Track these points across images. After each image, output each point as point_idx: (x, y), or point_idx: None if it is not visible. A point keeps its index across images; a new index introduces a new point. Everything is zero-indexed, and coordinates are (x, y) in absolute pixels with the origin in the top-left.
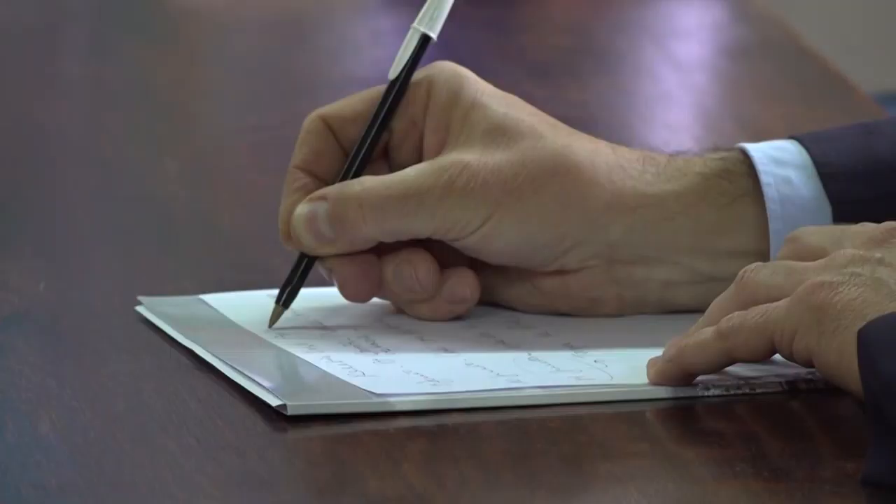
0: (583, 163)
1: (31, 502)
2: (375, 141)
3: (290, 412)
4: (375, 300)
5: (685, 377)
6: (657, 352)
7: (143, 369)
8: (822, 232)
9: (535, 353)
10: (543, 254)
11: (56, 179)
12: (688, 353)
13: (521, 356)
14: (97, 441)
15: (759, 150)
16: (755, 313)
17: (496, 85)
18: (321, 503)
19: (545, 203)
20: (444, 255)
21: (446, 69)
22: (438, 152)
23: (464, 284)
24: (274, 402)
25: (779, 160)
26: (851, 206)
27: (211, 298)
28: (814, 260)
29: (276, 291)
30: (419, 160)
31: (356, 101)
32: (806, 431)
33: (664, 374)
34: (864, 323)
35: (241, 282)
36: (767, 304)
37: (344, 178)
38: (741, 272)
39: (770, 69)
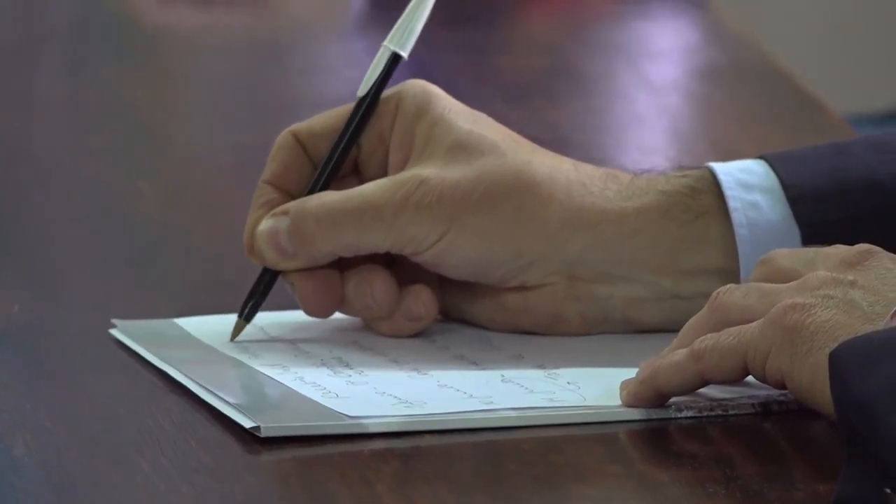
0: (541, 179)
1: None
2: (343, 157)
3: (263, 434)
4: (350, 321)
5: (658, 399)
6: (630, 373)
7: (118, 391)
8: (795, 254)
9: (508, 375)
10: (502, 270)
11: (32, 200)
12: (661, 374)
13: (494, 377)
14: (72, 463)
15: (727, 173)
16: (728, 335)
17: (470, 106)
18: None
19: (502, 219)
20: (409, 270)
21: (416, 86)
22: (402, 168)
23: (419, 302)
24: (248, 423)
25: (746, 184)
26: (821, 229)
27: (185, 322)
28: (787, 282)
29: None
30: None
31: (327, 117)
32: (778, 453)
33: (637, 395)
34: (836, 345)
35: (216, 304)
36: (741, 326)
37: (310, 194)
38: (714, 294)
39: (743, 91)
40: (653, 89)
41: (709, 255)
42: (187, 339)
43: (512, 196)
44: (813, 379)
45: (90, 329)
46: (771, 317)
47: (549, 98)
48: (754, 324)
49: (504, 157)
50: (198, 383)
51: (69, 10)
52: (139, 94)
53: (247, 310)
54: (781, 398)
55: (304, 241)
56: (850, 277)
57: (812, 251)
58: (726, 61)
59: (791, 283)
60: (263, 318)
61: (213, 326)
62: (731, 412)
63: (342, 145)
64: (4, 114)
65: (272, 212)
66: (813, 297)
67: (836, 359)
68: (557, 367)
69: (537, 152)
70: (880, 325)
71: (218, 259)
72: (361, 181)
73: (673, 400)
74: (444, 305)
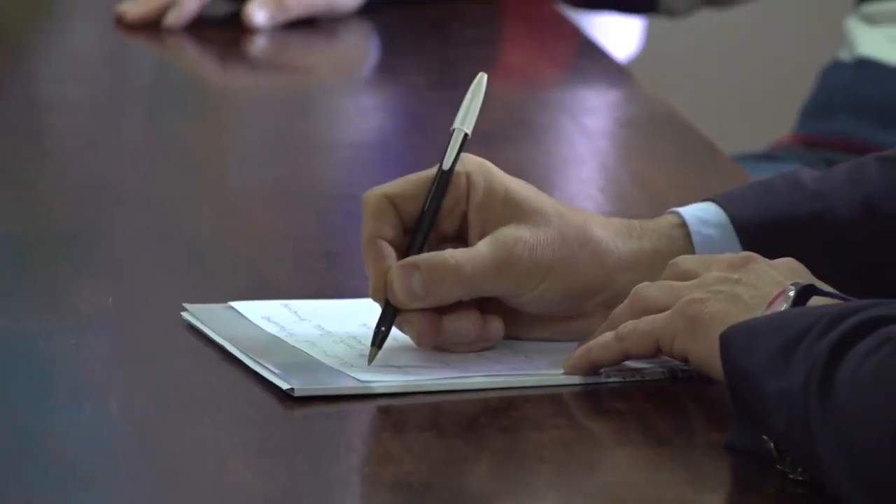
0: (597, 234)
1: (102, 466)
2: (435, 216)
3: (296, 394)
4: (357, 308)
5: (592, 369)
6: (572, 348)
7: (186, 362)
8: (695, 259)
9: (480, 351)
10: (573, 304)
11: (119, 219)
12: (594, 351)
13: (469, 353)
14: (151, 417)
15: (691, 214)
16: (645, 322)
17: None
18: (320, 465)
19: (581, 267)
20: (489, 304)
21: (475, 162)
22: (482, 227)
23: (497, 329)
24: (284, 385)
25: (704, 221)
26: (762, 253)
27: (237, 305)
28: (689, 280)
29: (284, 300)
30: (459, 233)
31: (411, 184)
32: (682, 409)
33: (576, 367)
34: (726, 328)
35: (256, 294)
36: (654, 315)
37: (413, 246)
38: (634, 289)
39: (655, 136)
40: (588, 135)
41: None
42: (239, 319)
43: (585, 249)
44: (709, 355)
45: (165, 314)
46: (677, 308)
47: (510, 142)
48: (664, 313)
49: (567, 217)
50: (247, 355)
51: (148, 74)
52: (200, 138)
53: (378, 339)
54: (685, 368)
55: (435, 290)
56: (736, 276)
57: (709, 257)
58: (642, 114)
59: (692, 281)
60: (296, 305)
61: (259, 309)
62: (647, 378)
63: (435, 207)
64: (98, 154)
65: (401, 263)
66: (708, 292)
67: (725, 339)
68: (518, 343)
69: (579, 212)
70: (759, 313)
71: (259, 262)
72: (438, 235)
73: (603, 369)
74: (511, 329)
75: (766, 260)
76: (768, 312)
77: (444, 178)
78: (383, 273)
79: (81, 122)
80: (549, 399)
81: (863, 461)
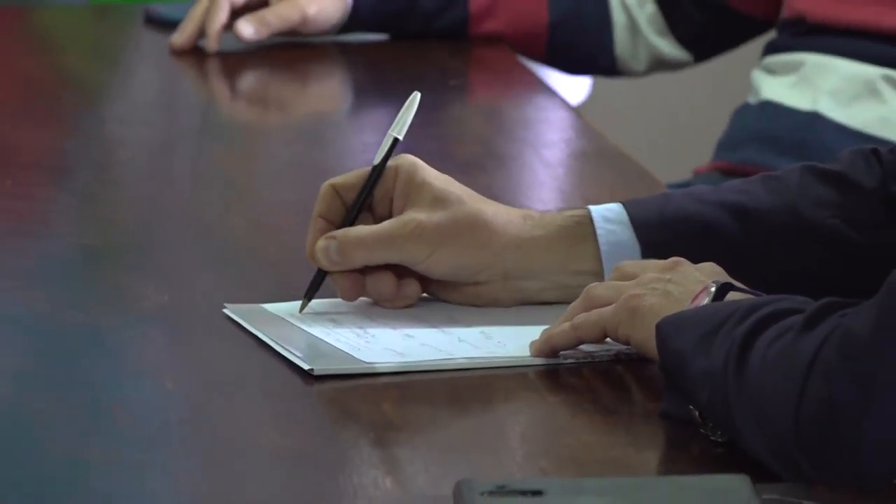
0: (489, 219)
1: (160, 431)
2: (365, 202)
3: (315, 373)
4: (364, 305)
5: (552, 352)
6: (537, 332)
7: (226, 349)
8: (636, 263)
9: (462, 337)
10: (465, 274)
11: (171, 232)
12: (554, 338)
13: (453, 339)
14: (199, 393)
15: (597, 212)
16: (594, 313)
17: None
18: (334, 430)
19: (466, 245)
20: (406, 270)
21: (407, 159)
22: (402, 212)
23: (409, 290)
24: (305, 366)
25: (608, 218)
26: (654, 247)
27: (268, 306)
28: (629, 280)
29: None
30: (390, 215)
31: (352, 176)
32: (626, 384)
33: (540, 351)
34: (660, 319)
35: (283, 291)
36: (602, 308)
37: (346, 225)
38: (586, 288)
39: (602, 166)
40: (547, 165)
41: (586, 264)
42: (269, 315)
43: (472, 230)
44: (646, 340)
45: (209, 309)
46: (620, 302)
47: (484, 171)
48: (610, 307)
49: (465, 204)
50: (275, 342)
51: (193, 114)
52: (234, 165)
53: (308, 293)
54: (628, 351)
55: (345, 256)
56: (668, 277)
57: (645, 262)
58: (591, 148)
59: (632, 281)
60: (315, 303)
61: (284, 308)
62: (597, 359)
63: (364, 195)
64: (155, 180)
65: (325, 235)
66: (645, 289)
67: (660, 327)
68: (493, 331)
69: (484, 201)
70: (686, 306)
71: (285, 266)
72: (374, 217)
73: (562, 353)
74: (429, 290)
75: (692, 264)
76: (693, 306)
77: (376, 172)
78: (314, 243)
79: (141, 155)
80: (518, 376)
81: (769, 425)
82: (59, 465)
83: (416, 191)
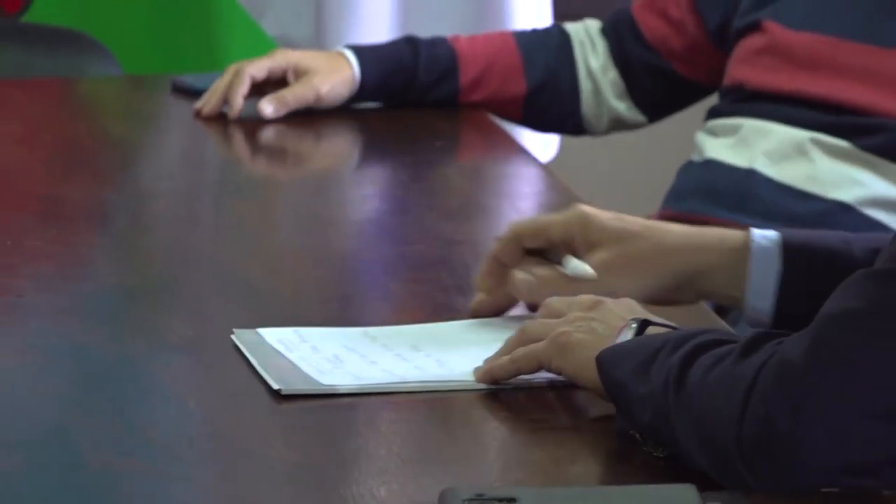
0: (665, 247)
1: (184, 444)
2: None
3: (283, 392)
4: (347, 333)
5: (493, 381)
6: (482, 356)
7: (243, 373)
8: (562, 300)
9: (417, 365)
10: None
11: (195, 272)
12: (494, 370)
13: (409, 366)
14: (219, 412)
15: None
16: (530, 349)
17: (422, 221)
18: (335, 444)
19: (647, 273)
20: None
21: (577, 212)
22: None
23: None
24: (275, 386)
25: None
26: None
27: (262, 331)
28: (558, 318)
29: (296, 327)
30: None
31: (535, 226)
32: (554, 405)
33: (482, 379)
34: (598, 351)
35: (291, 322)
36: (536, 343)
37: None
38: (521, 325)
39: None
40: (521, 214)
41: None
42: (262, 341)
43: (650, 261)
44: (576, 370)
45: (226, 340)
46: (551, 338)
47: (468, 220)
48: (543, 342)
49: (641, 238)
50: (258, 364)
51: (214, 170)
52: (250, 214)
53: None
54: (559, 380)
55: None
56: (591, 315)
57: (572, 300)
58: (560, 200)
59: (561, 318)
60: (302, 330)
61: (275, 333)
62: (533, 385)
63: None
64: (182, 227)
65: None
66: (572, 326)
67: (600, 359)
68: (445, 360)
69: (661, 229)
70: (609, 341)
71: (293, 301)
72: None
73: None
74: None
75: (612, 300)
76: (618, 340)
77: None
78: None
79: (170, 206)
80: (488, 400)
81: (713, 442)
82: (97, 475)
83: (596, 236)
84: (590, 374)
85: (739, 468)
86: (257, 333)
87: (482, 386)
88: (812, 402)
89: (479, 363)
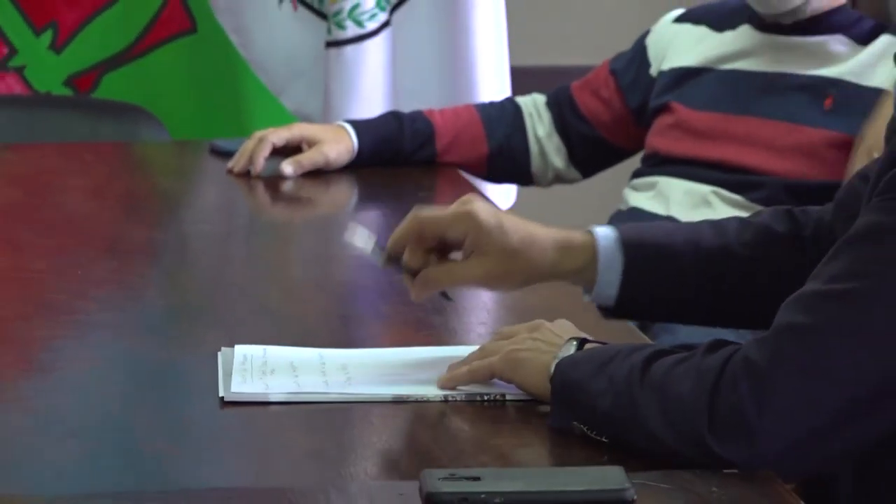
0: (520, 252)
1: (216, 436)
2: None
3: (226, 399)
4: (324, 353)
5: (454, 386)
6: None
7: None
8: (510, 328)
9: (328, 381)
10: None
11: (225, 296)
12: (456, 376)
13: (320, 381)
14: (247, 408)
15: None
16: (486, 363)
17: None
18: (338, 434)
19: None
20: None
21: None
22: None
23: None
24: (221, 393)
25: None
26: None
27: (237, 347)
28: (509, 339)
29: (265, 345)
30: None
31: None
32: (509, 408)
33: (445, 384)
34: (541, 364)
35: (299, 340)
36: (490, 358)
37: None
38: (482, 345)
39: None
40: None
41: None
42: (231, 354)
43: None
44: (524, 381)
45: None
46: (503, 355)
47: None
48: (496, 357)
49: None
50: (223, 371)
51: (243, 217)
52: (271, 250)
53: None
54: (512, 392)
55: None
56: (535, 335)
57: (517, 326)
58: None
59: (511, 339)
60: (270, 349)
61: (243, 349)
62: (486, 399)
63: None
64: (216, 261)
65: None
66: (521, 344)
67: (559, 365)
68: (355, 376)
69: (521, 234)
70: (550, 356)
71: (302, 321)
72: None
73: (464, 391)
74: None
75: (550, 323)
76: (560, 354)
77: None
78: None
79: (207, 244)
80: (460, 407)
81: (683, 420)
82: (148, 458)
83: (482, 245)
84: (535, 381)
85: (710, 442)
86: (231, 349)
87: (440, 397)
88: (775, 400)
89: (382, 384)
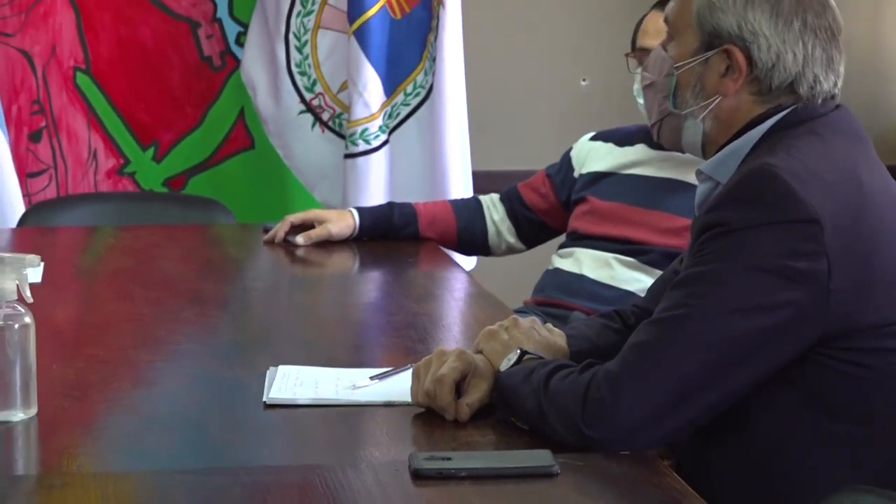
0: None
1: (268, 431)
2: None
3: (268, 403)
4: (343, 373)
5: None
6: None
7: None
8: (494, 327)
9: (339, 392)
10: None
11: (272, 330)
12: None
13: (333, 391)
14: (290, 410)
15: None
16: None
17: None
18: (327, 422)
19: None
20: None
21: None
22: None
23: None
24: (266, 399)
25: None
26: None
27: (280, 367)
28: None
29: (304, 366)
30: None
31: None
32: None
33: (416, 397)
34: (500, 366)
35: (321, 362)
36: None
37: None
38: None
39: (479, 300)
40: (456, 300)
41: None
42: (274, 372)
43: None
44: (489, 352)
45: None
46: (487, 350)
47: (425, 301)
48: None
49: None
50: (269, 383)
51: (276, 273)
52: (300, 297)
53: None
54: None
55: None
56: (506, 324)
57: (499, 323)
58: (476, 291)
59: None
60: (302, 369)
61: (285, 369)
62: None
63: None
64: (260, 305)
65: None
66: (496, 342)
67: (500, 376)
68: (362, 389)
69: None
70: (514, 347)
71: (322, 348)
72: None
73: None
74: None
75: (521, 320)
76: (507, 358)
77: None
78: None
79: (258, 293)
80: (412, 409)
81: (567, 418)
82: (220, 444)
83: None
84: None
85: (585, 432)
86: (276, 368)
87: (379, 403)
88: (623, 395)
89: (378, 394)
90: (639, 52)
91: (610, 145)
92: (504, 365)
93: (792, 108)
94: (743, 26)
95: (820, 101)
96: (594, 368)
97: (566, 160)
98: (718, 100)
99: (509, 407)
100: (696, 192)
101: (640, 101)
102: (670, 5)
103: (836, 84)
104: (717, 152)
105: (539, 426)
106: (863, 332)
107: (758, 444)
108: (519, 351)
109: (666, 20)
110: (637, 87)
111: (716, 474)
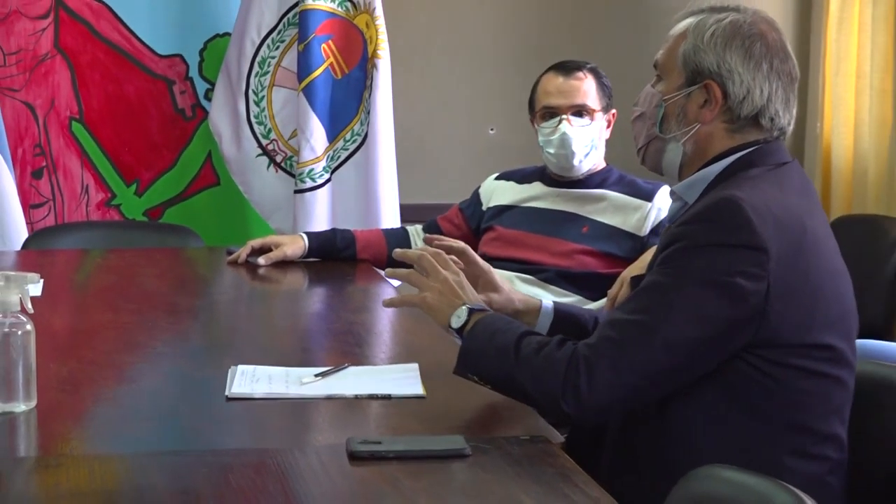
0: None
1: (247, 426)
2: None
3: (229, 397)
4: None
5: (394, 306)
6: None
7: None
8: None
9: (289, 387)
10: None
11: (238, 335)
12: (394, 302)
13: (284, 386)
14: (260, 406)
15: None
16: (411, 299)
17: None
18: (306, 412)
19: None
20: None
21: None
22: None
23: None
24: (227, 392)
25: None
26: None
27: (239, 366)
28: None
29: (255, 366)
30: None
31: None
32: (393, 404)
33: (388, 305)
34: (451, 318)
35: (289, 363)
36: (414, 296)
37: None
38: (410, 273)
39: (408, 310)
40: (386, 312)
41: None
42: (234, 371)
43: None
44: (434, 321)
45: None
46: (419, 300)
47: (360, 312)
48: (418, 297)
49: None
50: (232, 376)
51: (244, 290)
52: (257, 308)
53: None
54: (395, 394)
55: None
56: (440, 285)
57: (431, 268)
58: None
59: (428, 277)
60: (258, 368)
61: (242, 368)
62: (380, 397)
63: None
64: (230, 314)
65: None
66: (431, 292)
67: (465, 336)
68: (309, 384)
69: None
70: (449, 311)
71: (292, 352)
72: None
73: (364, 391)
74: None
75: (449, 276)
76: (455, 313)
77: None
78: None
79: (222, 305)
80: (365, 401)
81: (545, 387)
82: (191, 431)
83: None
84: (439, 324)
85: (561, 401)
86: (236, 367)
87: (322, 396)
88: (594, 379)
89: (322, 388)
90: (543, 110)
91: (511, 183)
92: (455, 322)
93: (754, 147)
94: (721, 65)
95: (776, 134)
96: (569, 347)
97: (476, 196)
98: (698, 127)
99: (467, 367)
100: (668, 209)
101: (549, 150)
102: (659, 53)
103: (790, 122)
104: (689, 176)
105: (506, 389)
106: (780, 347)
107: (677, 425)
108: (468, 305)
109: (655, 65)
110: (542, 139)
111: (639, 447)
